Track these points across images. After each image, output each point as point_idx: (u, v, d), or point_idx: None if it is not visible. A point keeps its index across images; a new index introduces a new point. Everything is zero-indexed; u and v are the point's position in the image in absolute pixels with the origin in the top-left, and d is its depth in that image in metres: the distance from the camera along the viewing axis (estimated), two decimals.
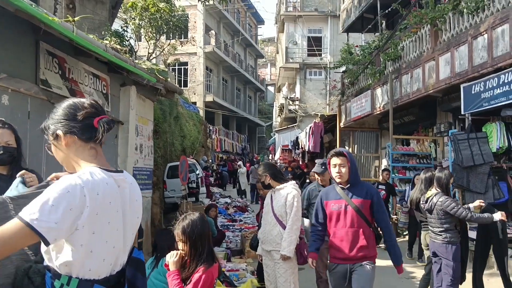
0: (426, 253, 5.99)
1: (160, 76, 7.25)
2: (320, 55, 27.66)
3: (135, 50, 16.70)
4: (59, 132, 1.80)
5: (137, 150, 7.51)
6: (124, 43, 9.77)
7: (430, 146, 11.73)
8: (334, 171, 3.97)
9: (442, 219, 5.04)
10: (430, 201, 5.15)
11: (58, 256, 1.67)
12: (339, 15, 26.66)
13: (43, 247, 1.70)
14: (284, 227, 4.46)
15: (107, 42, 6.44)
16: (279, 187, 4.66)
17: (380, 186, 9.77)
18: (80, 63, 5.93)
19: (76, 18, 5.06)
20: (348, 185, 3.95)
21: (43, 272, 1.77)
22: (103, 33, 10.58)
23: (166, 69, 9.04)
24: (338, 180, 3.96)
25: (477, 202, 5.27)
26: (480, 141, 8.45)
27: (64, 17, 9.87)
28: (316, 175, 5.69)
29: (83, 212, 1.63)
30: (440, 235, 5.06)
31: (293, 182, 4.78)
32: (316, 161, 5.98)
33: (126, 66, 5.80)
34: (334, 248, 3.96)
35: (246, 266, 7.85)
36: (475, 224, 6.16)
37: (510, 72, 7.41)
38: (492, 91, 7.89)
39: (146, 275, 2.00)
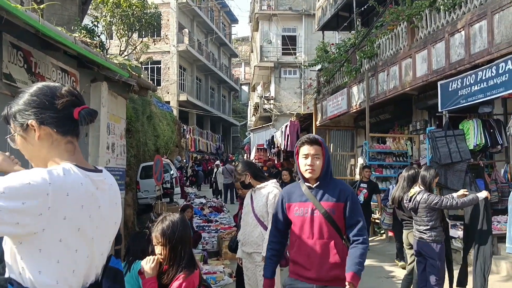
0: (409, 252, 5.88)
1: (133, 72, 6.94)
2: (294, 54, 27.61)
3: (107, 47, 16.27)
4: (33, 123, 1.51)
5: (108, 150, 7.19)
6: (95, 38, 9.39)
7: (407, 144, 11.74)
8: (303, 163, 3.05)
9: (427, 217, 4.94)
10: (414, 199, 5.04)
11: (24, 266, 1.41)
12: (313, 14, 26.71)
13: (7, 255, 1.45)
14: (265, 228, 4.24)
15: (77, 35, 6.11)
16: (260, 186, 4.39)
17: (362, 185, 9.37)
18: (48, 57, 5.59)
19: (42, 6, 4.75)
20: (318, 183, 3.06)
21: (4, 286, 1.51)
22: (72, 28, 10.19)
23: (139, 65, 8.73)
24: (308, 175, 3.05)
25: (461, 192, 5.19)
26: (457, 139, 8.45)
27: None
28: None
29: (42, 213, 1.37)
30: (425, 233, 4.95)
31: (274, 180, 4.56)
32: None
33: (97, 60, 5.49)
34: (298, 265, 3.10)
35: (223, 268, 7.63)
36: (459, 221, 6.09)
37: (488, 69, 7.40)
38: (469, 88, 7.88)
39: (125, 286, 1.75)
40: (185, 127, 30.26)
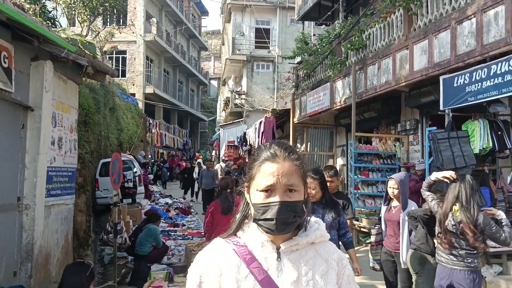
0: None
1: (85, 50, 5.57)
2: (268, 47, 26.43)
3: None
4: None
5: (54, 145, 5.81)
6: (46, 14, 7.90)
7: (395, 145, 10.71)
8: None
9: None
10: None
11: None
12: (288, 6, 25.64)
13: None
14: None
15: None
16: (303, 240, 1.56)
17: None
18: None
19: None
20: None
21: None
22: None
23: (93, 42, 7.32)
24: None
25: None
26: (461, 141, 7.44)
27: None
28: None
29: None
30: (465, 259, 3.90)
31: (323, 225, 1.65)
32: None
33: (33, 26, 4.12)
34: None
35: None
36: None
37: (505, 62, 6.40)
38: (480, 83, 6.87)
39: None
40: (151, 121, 28.77)
